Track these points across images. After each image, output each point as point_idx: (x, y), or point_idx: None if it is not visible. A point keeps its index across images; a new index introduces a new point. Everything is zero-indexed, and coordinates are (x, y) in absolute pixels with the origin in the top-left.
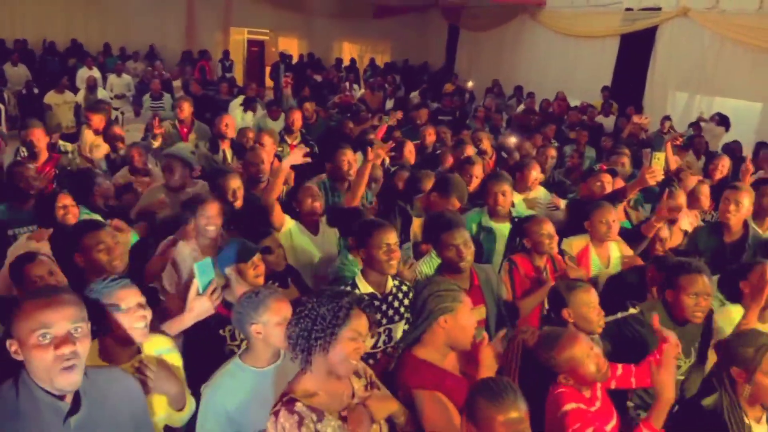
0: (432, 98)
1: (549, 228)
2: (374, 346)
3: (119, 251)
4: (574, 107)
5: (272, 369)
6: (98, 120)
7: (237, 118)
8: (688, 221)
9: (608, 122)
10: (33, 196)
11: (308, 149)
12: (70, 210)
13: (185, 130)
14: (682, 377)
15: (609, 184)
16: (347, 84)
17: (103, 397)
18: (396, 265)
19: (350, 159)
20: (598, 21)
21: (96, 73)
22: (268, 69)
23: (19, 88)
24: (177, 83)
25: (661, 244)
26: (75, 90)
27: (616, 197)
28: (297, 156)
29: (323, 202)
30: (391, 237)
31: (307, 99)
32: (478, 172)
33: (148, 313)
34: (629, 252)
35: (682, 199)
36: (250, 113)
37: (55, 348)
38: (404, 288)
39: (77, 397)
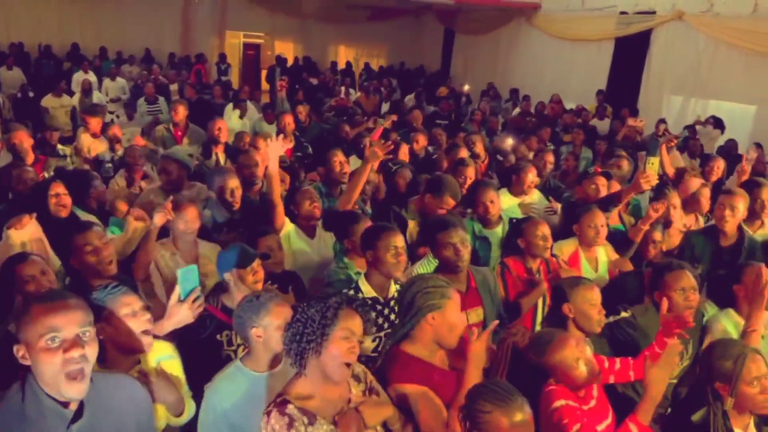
0: (427, 101)
1: (545, 230)
2: (375, 350)
3: (107, 252)
4: (569, 110)
5: (272, 374)
6: (95, 123)
7: (234, 122)
8: (683, 222)
9: (603, 125)
10: (34, 187)
11: (291, 141)
12: (62, 198)
13: (179, 133)
14: (675, 381)
15: (604, 186)
16: (342, 87)
17: (109, 404)
18: (403, 268)
19: (342, 160)
20: (593, 24)
21: (92, 76)
22: (264, 72)
23: (14, 92)
24: (174, 87)
25: (654, 247)
26: (71, 93)
27: (610, 202)
28: (277, 148)
29: (322, 206)
30: (399, 240)
31: (300, 102)
32: (471, 173)
33: (151, 319)
34: (615, 256)
35: (675, 200)
36: (246, 119)
37: (64, 351)
38: None
39: (81, 403)
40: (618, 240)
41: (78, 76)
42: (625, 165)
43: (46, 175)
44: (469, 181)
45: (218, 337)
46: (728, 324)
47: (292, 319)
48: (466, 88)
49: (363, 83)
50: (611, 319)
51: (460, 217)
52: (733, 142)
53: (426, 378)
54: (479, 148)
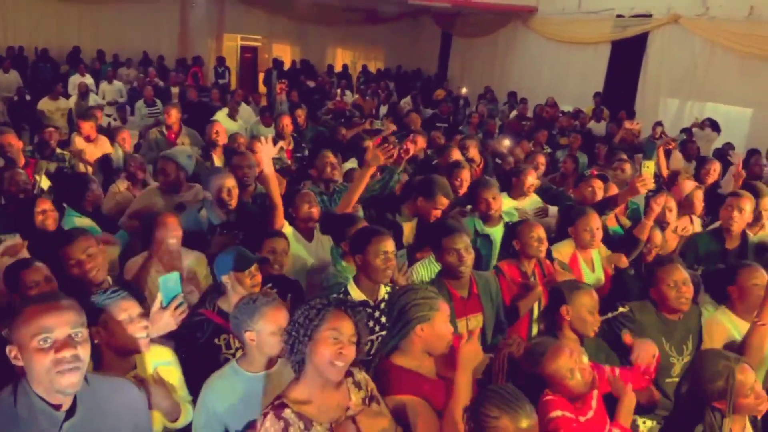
0: (423, 104)
1: (539, 232)
2: (367, 354)
3: (93, 264)
4: (566, 113)
5: (266, 374)
6: (88, 127)
7: (227, 122)
8: (677, 225)
9: (599, 128)
10: (23, 201)
11: (289, 143)
12: (49, 215)
13: (173, 135)
14: (677, 379)
15: (600, 189)
16: (339, 90)
17: (105, 406)
18: (390, 275)
19: (332, 161)
20: (589, 27)
21: (88, 79)
22: (261, 75)
23: (10, 95)
24: (175, 90)
25: (654, 249)
26: (67, 96)
27: (607, 205)
28: (269, 150)
29: (320, 209)
30: (389, 245)
31: (297, 104)
32: (466, 176)
33: (148, 324)
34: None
35: (671, 203)
36: (242, 121)
37: (56, 351)
38: None
39: (74, 403)
40: (622, 241)
41: (75, 79)
42: (628, 168)
43: (38, 177)
44: (465, 184)
45: (216, 340)
46: (728, 323)
47: (287, 326)
48: (464, 91)
49: (360, 86)
50: (609, 315)
51: (464, 223)
52: (729, 146)
53: (417, 388)
54: (473, 153)
